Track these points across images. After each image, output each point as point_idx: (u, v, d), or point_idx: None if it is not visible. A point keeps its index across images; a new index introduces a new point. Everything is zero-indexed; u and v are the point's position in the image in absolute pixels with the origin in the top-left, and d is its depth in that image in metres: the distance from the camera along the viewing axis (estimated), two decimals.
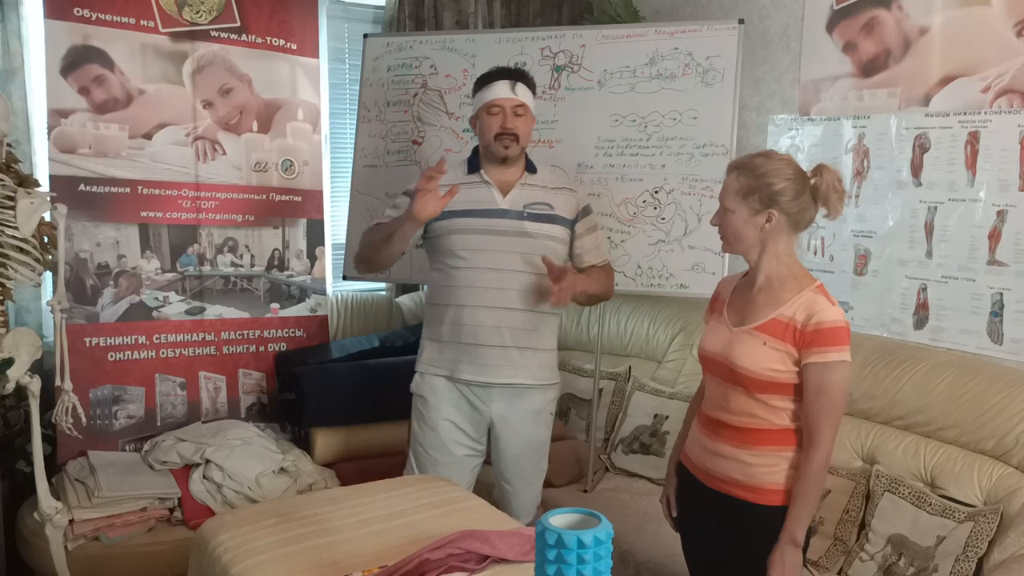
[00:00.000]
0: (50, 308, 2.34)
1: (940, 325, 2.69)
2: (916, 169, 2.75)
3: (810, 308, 1.74)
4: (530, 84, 2.38)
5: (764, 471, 1.79)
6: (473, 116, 2.39)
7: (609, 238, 3.01)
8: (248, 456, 2.82)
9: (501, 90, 2.32)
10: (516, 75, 2.36)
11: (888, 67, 2.84)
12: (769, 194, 1.75)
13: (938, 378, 2.42)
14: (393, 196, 2.49)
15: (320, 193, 3.43)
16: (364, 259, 2.41)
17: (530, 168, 2.41)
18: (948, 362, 2.46)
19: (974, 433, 2.31)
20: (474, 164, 2.40)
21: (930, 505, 2.22)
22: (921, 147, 2.73)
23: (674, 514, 2.06)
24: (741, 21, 2.95)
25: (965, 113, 2.60)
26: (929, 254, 2.72)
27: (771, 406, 1.78)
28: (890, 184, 2.83)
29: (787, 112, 3.18)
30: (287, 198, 3.34)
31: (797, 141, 3.10)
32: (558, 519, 1.20)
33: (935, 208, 2.70)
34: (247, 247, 3.27)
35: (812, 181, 1.77)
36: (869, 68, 2.90)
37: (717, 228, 1.86)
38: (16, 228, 2.18)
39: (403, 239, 2.28)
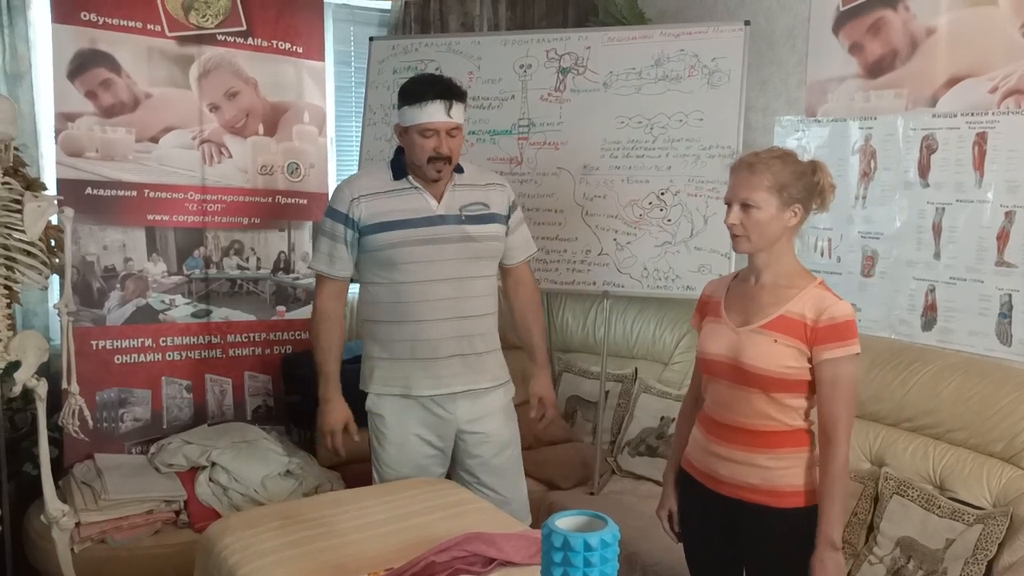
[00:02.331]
0: (57, 311, 2.34)
1: (948, 327, 2.68)
2: (923, 170, 2.74)
3: (819, 304, 1.75)
4: (465, 99, 2.24)
5: (782, 473, 1.79)
6: (399, 126, 2.23)
7: (615, 240, 3.01)
8: (254, 459, 2.82)
9: (436, 112, 2.15)
10: (452, 93, 2.18)
11: (895, 68, 2.83)
12: (798, 190, 1.76)
13: (946, 380, 2.40)
14: (333, 235, 2.28)
15: (326, 196, 3.41)
16: None
17: (457, 168, 2.31)
18: (956, 364, 2.45)
19: (983, 435, 2.29)
20: (399, 169, 2.28)
21: (939, 508, 2.21)
22: (928, 148, 2.72)
23: (677, 528, 2.04)
24: (747, 22, 2.95)
25: (972, 114, 2.59)
26: (937, 255, 2.70)
27: (784, 405, 1.78)
28: (897, 185, 2.81)
29: (793, 113, 3.17)
30: (293, 201, 3.34)
31: (804, 142, 3.09)
32: (564, 521, 1.19)
33: (943, 209, 2.68)
34: (253, 250, 3.28)
35: (815, 177, 1.79)
36: (876, 69, 2.89)
37: (732, 227, 1.80)
38: (23, 231, 2.18)
39: None
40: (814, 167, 1.80)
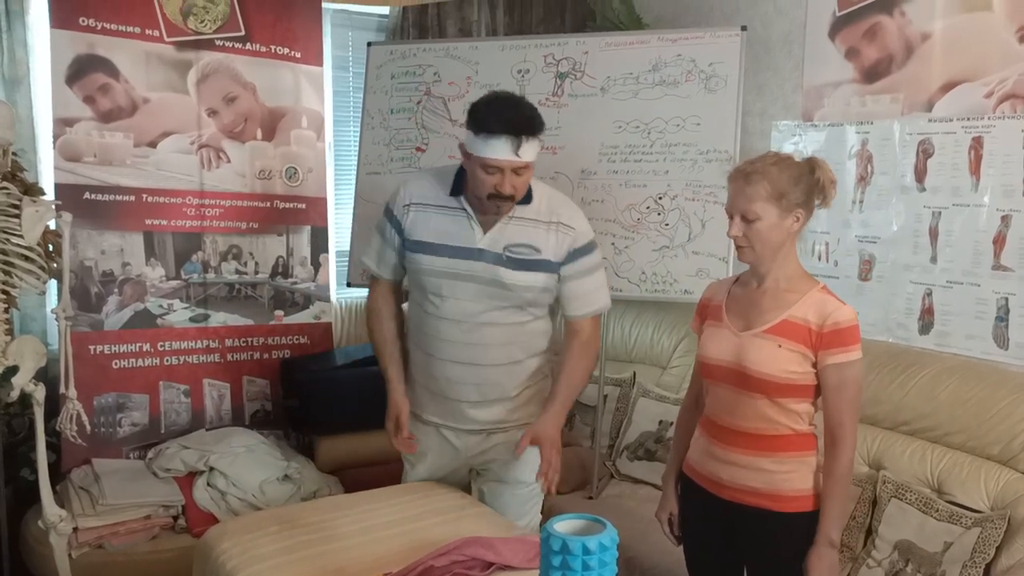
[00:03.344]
0: (55, 316, 2.35)
1: (945, 330, 2.69)
2: (920, 174, 2.75)
3: (822, 309, 1.74)
4: (539, 132, 1.98)
5: (785, 478, 1.78)
6: (463, 147, 2.02)
7: (613, 244, 3.01)
8: (252, 463, 2.82)
9: (502, 149, 1.92)
10: (524, 128, 1.93)
11: (891, 73, 2.84)
12: (797, 195, 1.74)
13: (944, 383, 2.41)
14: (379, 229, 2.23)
15: (324, 200, 3.43)
16: None
17: (524, 198, 2.05)
18: (954, 367, 2.45)
19: (980, 438, 2.30)
20: (458, 185, 2.08)
21: (937, 511, 2.21)
22: (925, 152, 2.73)
23: (677, 532, 2.04)
24: (744, 28, 2.96)
25: (968, 118, 2.60)
26: (934, 259, 2.71)
27: (788, 410, 1.77)
28: (894, 189, 2.82)
29: (790, 118, 3.18)
30: (291, 205, 3.35)
31: (800, 147, 3.10)
32: (563, 525, 1.20)
33: (939, 213, 2.69)
34: (251, 254, 3.28)
35: (815, 175, 1.77)
36: (872, 74, 2.91)
37: (735, 239, 1.78)
38: (21, 236, 2.19)
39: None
40: (811, 165, 1.78)
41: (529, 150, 1.96)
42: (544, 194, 2.11)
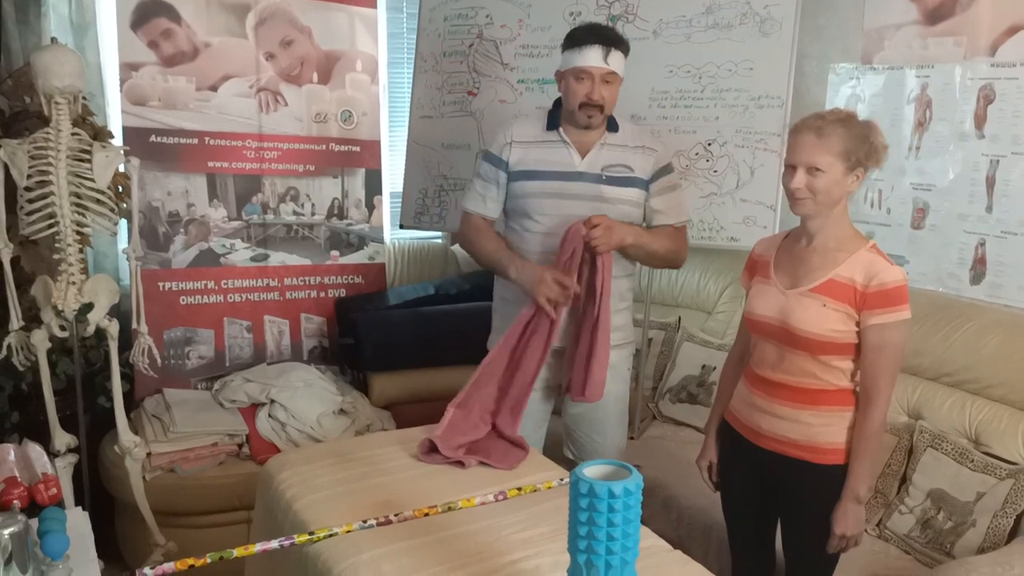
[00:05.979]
0: (126, 255, 2.48)
1: (998, 281, 2.65)
2: (979, 121, 2.67)
3: (869, 269, 1.75)
4: (624, 49, 2.22)
5: (823, 431, 1.83)
6: (559, 72, 2.25)
7: None
8: (310, 397, 2.97)
9: (592, 57, 2.16)
10: (610, 40, 2.18)
11: (955, 15, 2.74)
12: (864, 153, 1.75)
13: (988, 336, 2.40)
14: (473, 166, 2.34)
15: (378, 143, 3.50)
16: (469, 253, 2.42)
17: (611, 127, 2.29)
18: (999, 320, 2.44)
19: (1022, 391, 2.29)
20: (554, 120, 2.29)
21: (972, 461, 2.24)
22: (985, 98, 2.65)
23: (715, 479, 2.11)
24: None
25: None
26: (989, 209, 2.66)
27: (831, 367, 1.81)
28: (952, 136, 2.76)
29: (849, 61, 3.10)
30: (346, 148, 3.42)
31: (858, 91, 3.03)
32: (592, 470, 1.27)
33: (997, 162, 2.63)
34: (308, 196, 3.38)
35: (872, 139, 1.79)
36: (935, 15, 2.81)
37: (796, 191, 1.77)
38: (93, 180, 2.31)
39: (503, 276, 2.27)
40: (869, 128, 1.78)
41: (616, 61, 2.19)
42: (627, 125, 2.38)
